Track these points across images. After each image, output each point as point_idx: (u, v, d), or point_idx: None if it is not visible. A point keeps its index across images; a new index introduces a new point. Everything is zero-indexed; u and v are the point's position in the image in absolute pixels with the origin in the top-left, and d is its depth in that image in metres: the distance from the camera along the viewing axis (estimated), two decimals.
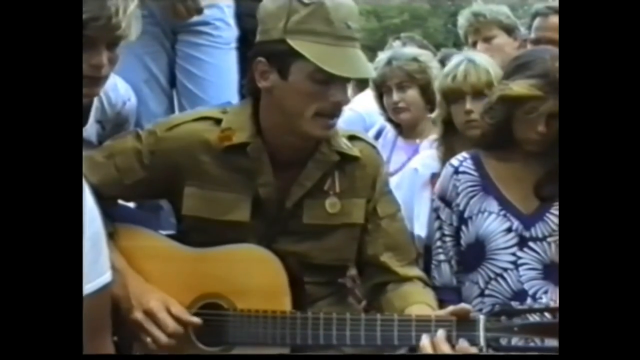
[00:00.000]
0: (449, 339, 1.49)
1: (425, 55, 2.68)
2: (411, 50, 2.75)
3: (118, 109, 1.90)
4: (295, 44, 1.57)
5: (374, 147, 1.82)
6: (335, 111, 1.63)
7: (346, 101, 1.66)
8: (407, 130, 2.65)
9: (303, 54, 1.57)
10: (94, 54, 1.59)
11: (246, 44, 2.07)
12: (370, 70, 1.70)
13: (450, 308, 1.55)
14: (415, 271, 1.77)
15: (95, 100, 1.82)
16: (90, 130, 1.83)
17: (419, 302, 1.66)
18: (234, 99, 2.07)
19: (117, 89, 1.90)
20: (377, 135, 2.78)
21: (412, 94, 2.57)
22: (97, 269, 1.21)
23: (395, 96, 2.58)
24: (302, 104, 1.60)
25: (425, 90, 2.53)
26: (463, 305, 1.57)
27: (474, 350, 1.49)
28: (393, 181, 2.09)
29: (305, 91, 1.59)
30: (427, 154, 2.30)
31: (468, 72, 2.13)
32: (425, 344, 1.50)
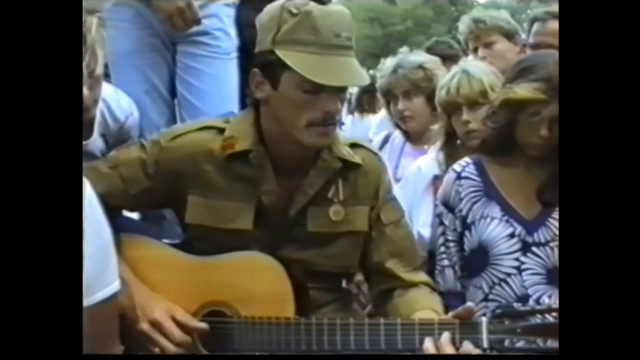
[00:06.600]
0: (453, 342, 1.49)
1: (431, 62, 2.64)
2: (417, 57, 2.68)
3: (121, 123, 1.91)
4: (282, 54, 1.58)
5: (375, 154, 1.82)
6: (327, 120, 1.62)
7: (338, 110, 1.65)
8: (414, 137, 2.64)
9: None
10: None
11: (247, 54, 2.07)
12: (363, 78, 1.66)
13: (454, 311, 1.55)
14: (422, 276, 1.77)
15: (98, 115, 1.82)
16: (93, 144, 1.83)
17: (424, 307, 1.66)
18: (233, 109, 2.06)
19: (120, 104, 1.91)
20: (385, 142, 2.78)
21: (418, 102, 2.56)
22: (106, 278, 1.23)
23: (401, 105, 2.57)
24: (294, 114, 1.61)
25: (432, 98, 2.46)
26: (466, 305, 1.56)
27: (477, 351, 1.49)
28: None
29: (295, 101, 1.60)
30: (432, 155, 2.30)
31: (461, 84, 2.14)
32: (429, 347, 1.50)
